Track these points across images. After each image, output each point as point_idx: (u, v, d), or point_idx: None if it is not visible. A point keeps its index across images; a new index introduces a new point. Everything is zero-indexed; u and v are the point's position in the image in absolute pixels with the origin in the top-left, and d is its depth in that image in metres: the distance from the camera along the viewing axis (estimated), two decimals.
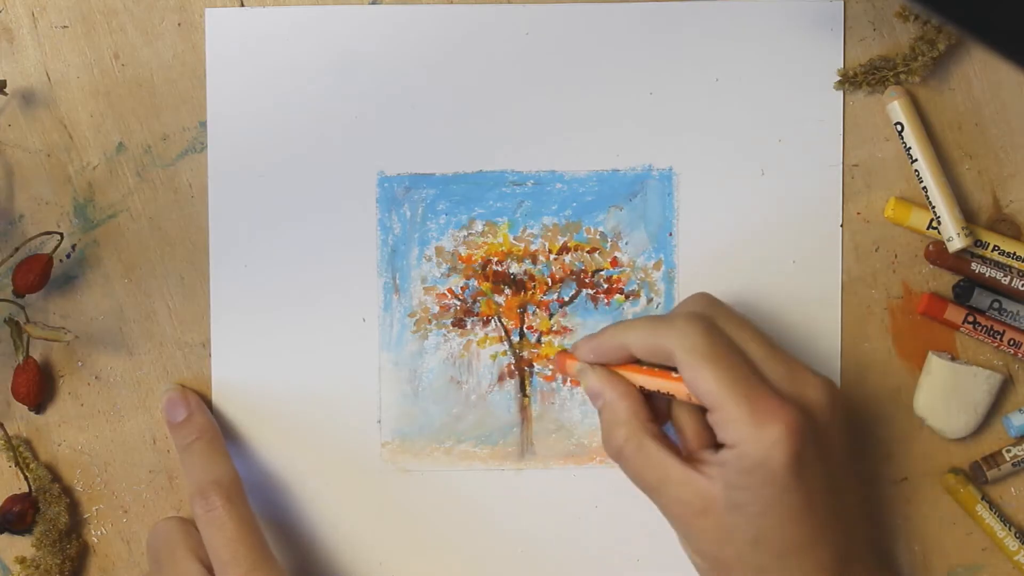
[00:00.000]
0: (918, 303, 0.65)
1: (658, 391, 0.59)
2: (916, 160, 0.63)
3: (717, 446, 0.57)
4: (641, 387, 0.60)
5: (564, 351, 0.64)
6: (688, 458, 0.58)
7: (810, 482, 0.56)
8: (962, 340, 0.66)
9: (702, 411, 0.58)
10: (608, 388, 0.60)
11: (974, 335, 0.65)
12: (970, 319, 0.64)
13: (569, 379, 0.65)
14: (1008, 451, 0.65)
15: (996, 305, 0.65)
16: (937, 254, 0.64)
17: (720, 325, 0.58)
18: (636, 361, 0.60)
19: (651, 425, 0.59)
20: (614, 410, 0.59)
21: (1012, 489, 0.66)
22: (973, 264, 0.64)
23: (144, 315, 0.65)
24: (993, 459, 0.65)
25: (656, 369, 0.59)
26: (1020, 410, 0.65)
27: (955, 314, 0.65)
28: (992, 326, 0.64)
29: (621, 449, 0.59)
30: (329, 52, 0.64)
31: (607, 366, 0.60)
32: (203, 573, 0.60)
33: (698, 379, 0.56)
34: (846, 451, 0.59)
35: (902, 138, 0.63)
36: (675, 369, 0.58)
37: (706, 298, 0.61)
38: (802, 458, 0.55)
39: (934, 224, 0.64)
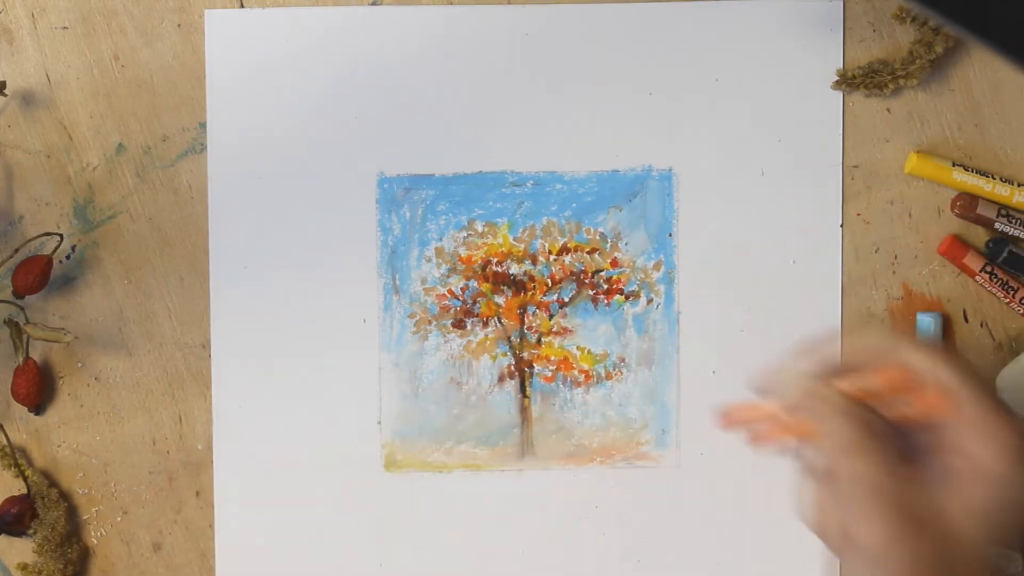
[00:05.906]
0: (939, 244, 0.65)
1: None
2: None
3: None
4: None
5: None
6: None
7: None
8: (971, 301, 0.66)
9: None
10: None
11: (988, 286, 0.65)
12: (988, 268, 0.65)
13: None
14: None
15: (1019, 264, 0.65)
16: (965, 207, 0.64)
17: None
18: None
19: None
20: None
21: None
22: (997, 223, 0.64)
23: (144, 316, 0.65)
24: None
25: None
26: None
27: (975, 261, 0.65)
28: (1008, 281, 0.65)
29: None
30: (329, 52, 0.64)
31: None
32: None
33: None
34: None
35: None
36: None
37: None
38: None
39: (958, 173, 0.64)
